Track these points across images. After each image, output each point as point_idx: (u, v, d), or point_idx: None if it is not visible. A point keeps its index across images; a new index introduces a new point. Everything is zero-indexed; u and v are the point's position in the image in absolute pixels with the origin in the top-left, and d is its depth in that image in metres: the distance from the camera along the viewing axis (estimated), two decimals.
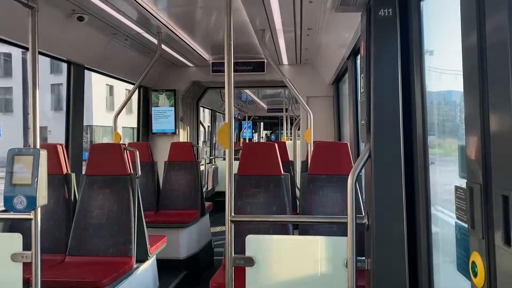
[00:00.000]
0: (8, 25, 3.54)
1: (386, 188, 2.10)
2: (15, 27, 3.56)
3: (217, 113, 12.50)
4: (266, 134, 24.28)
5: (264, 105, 15.05)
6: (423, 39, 2.13)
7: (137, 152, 4.11)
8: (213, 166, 10.11)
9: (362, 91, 2.27)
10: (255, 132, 22.30)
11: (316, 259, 2.33)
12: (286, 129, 14.55)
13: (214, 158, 11.20)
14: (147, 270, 3.96)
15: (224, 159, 11.43)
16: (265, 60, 6.61)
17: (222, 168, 10.64)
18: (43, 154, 2.58)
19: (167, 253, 4.80)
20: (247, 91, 10.71)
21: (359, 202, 3.34)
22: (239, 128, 17.13)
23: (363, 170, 2.23)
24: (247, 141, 16.04)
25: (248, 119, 16.14)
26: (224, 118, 12.87)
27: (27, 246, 2.66)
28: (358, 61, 4.29)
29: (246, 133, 17.35)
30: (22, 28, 2.91)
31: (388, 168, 2.10)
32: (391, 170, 2.10)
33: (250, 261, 2.35)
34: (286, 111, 13.51)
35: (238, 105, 13.96)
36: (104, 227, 3.75)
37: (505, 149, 1.16)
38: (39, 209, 2.62)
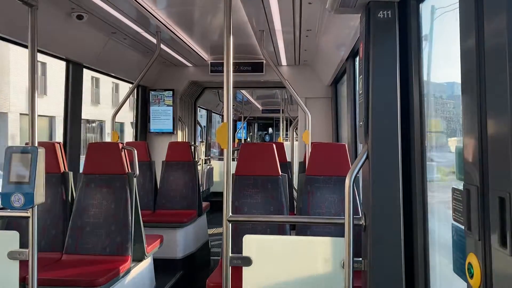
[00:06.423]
0: (7, 23, 3.53)
1: (383, 189, 2.11)
2: (15, 25, 3.55)
3: (212, 113, 12.51)
4: (260, 135, 24.25)
5: (259, 106, 15.07)
6: (422, 41, 2.14)
7: (135, 151, 4.11)
8: (209, 167, 10.11)
9: (360, 92, 2.28)
10: (249, 133, 22.28)
11: (313, 260, 2.34)
12: (282, 130, 14.56)
13: (210, 159, 11.20)
14: (143, 269, 3.96)
15: (219, 159, 11.47)
16: (264, 61, 6.62)
17: (217, 169, 10.63)
18: (41, 152, 2.58)
19: (164, 253, 4.80)
20: (243, 91, 10.71)
21: (357, 203, 3.36)
22: (234, 128, 17.15)
23: (360, 171, 2.24)
24: (242, 141, 16.04)
25: (244, 120, 16.16)
26: (220, 118, 12.85)
27: (24, 244, 2.65)
28: (357, 63, 4.30)
29: (242, 133, 17.35)
30: (22, 26, 2.91)
31: (385, 170, 2.11)
32: (388, 171, 2.11)
33: (247, 261, 2.35)
34: (282, 112, 13.51)
35: (233, 105, 13.97)
36: (101, 226, 3.75)
37: (502, 151, 1.17)
38: (36, 207, 2.62)
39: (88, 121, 27.53)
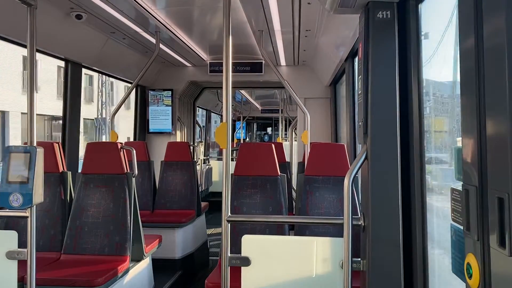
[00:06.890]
0: (6, 23, 3.53)
1: (382, 190, 2.11)
2: (13, 25, 3.55)
3: (211, 113, 12.52)
4: (259, 135, 24.28)
5: (258, 106, 15.08)
6: (421, 41, 2.14)
7: (134, 151, 4.11)
8: (207, 167, 10.11)
9: (359, 92, 2.28)
10: (248, 133, 22.30)
11: (311, 260, 2.33)
12: (281, 130, 14.58)
13: (208, 159, 11.20)
14: (142, 269, 3.96)
15: (218, 159, 11.48)
16: (263, 61, 6.62)
17: (216, 169, 10.64)
18: (40, 151, 2.58)
19: (162, 253, 4.80)
20: (242, 91, 10.71)
21: (355, 203, 3.36)
22: (233, 128, 17.14)
23: (359, 172, 2.24)
24: (241, 141, 16.05)
25: (243, 120, 16.17)
26: (218, 118, 12.83)
27: (22, 244, 2.65)
28: (356, 63, 4.30)
29: (241, 133, 17.37)
30: (20, 26, 2.90)
31: (384, 170, 2.11)
32: (387, 171, 2.11)
33: (246, 261, 2.35)
34: (281, 112, 13.52)
35: (233, 105, 13.97)
36: (100, 226, 3.74)
37: (500, 152, 1.17)
38: (34, 207, 2.61)
39: (54, 117, 23.74)
